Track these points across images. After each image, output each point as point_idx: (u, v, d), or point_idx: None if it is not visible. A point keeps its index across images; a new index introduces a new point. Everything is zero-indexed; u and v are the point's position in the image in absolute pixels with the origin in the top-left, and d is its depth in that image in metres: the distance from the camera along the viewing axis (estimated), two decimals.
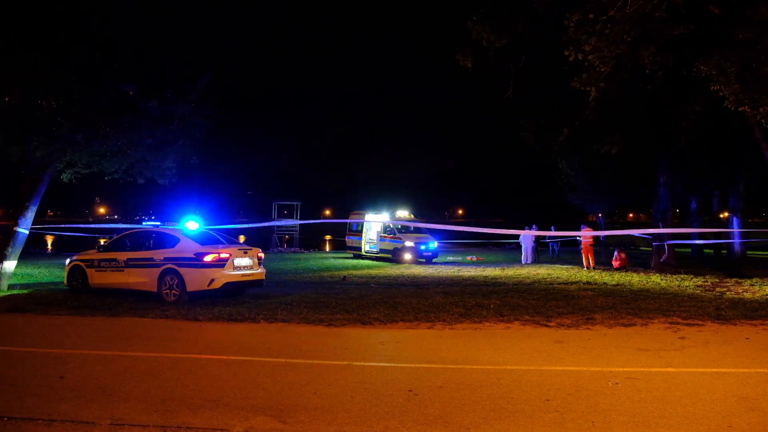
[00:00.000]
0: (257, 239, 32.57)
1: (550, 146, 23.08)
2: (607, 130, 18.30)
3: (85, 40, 11.95)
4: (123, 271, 11.99)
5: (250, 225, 17.19)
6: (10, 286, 13.12)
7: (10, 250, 13.01)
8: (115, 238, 12.99)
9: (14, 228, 13.06)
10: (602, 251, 25.85)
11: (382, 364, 6.63)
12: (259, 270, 12.08)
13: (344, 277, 16.55)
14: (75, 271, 12.67)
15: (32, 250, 27.52)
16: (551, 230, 23.48)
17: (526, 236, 23.07)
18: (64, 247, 32.28)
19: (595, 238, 21.58)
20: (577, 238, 20.94)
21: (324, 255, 29.31)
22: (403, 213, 25.26)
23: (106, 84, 11.91)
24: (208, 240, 11.99)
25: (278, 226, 34.79)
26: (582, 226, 20.63)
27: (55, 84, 11.78)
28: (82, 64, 11.84)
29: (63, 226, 16.58)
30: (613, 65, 11.82)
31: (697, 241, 22.57)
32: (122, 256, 12.08)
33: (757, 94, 10.76)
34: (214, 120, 14.39)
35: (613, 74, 12.19)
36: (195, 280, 11.10)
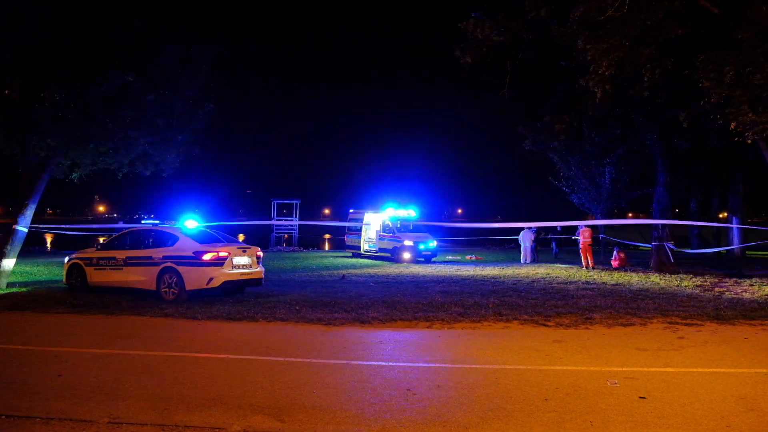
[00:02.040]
0: (256, 238, 32.57)
1: (548, 148, 23.10)
2: (607, 126, 18.34)
3: (85, 31, 11.95)
4: (122, 269, 11.98)
5: (249, 222, 17.20)
6: (9, 284, 13.11)
7: (9, 248, 13.00)
8: (114, 236, 12.98)
9: (13, 226, 13.06)
10: (601, 251, 25.83)
11: (380, 363, 6.63)
12: (258, 269, 12.07)
13: (343, 276, 16.54)
14: (74, 270, 12.66)
15: (31, 249, 27.50)
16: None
17: (526, 235, 23.07)
18: (63, 245, 32.26)
19: (594, 239, 21.54)
20: (575, 237, 20.92)
21: (323, 254, 29.31)
22: (403, 212, 25.25)
23: (105, 74, 11.89)
24: (207, 238, 11.98)
25: (277, 225, 34.77)
26: (580, 226, 20.62)
27: (55, 75, 11.77)
28: (81, 55, 11.83)
29: (65, 226, 16.60)
30: (616, 68, 11.81)
31: (699, 250, 22.58)
32: (121, 254, 12.07)
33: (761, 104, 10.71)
34: (213, 115, 14.42)
35: (615, 77, 12.17)
36: (194, 278, 11.09)
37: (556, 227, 25.69)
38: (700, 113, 13.45)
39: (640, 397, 5.27)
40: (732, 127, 11.53)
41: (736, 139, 11.74)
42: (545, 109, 20.74)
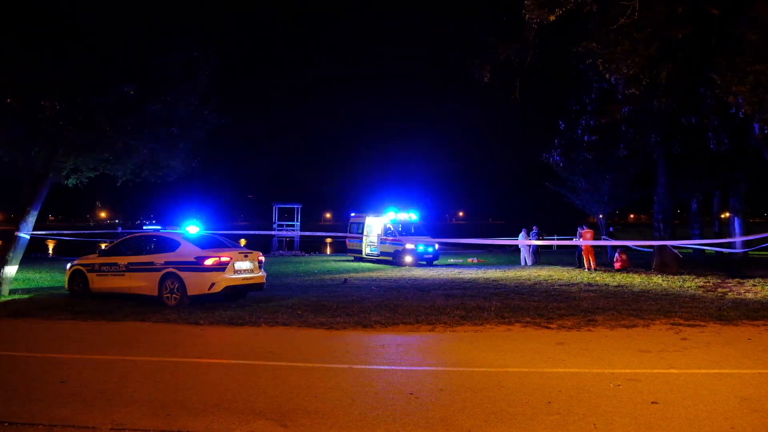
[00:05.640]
0: (258, 242, 32.58)
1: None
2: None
3: (87, 42, 12.00)
4: (124, 275, 11.98)
5: (252, 232, 17.25)
6: (12, 291, 13.12)
7: (11, 254, 13.02)
8: (116, 242, 13.00)
9: (15, 233, 13.08)
10: (603, 252, 25.76)
11: (382, 367, 6.62)
12: (260, 273, 12.07)
13: (345, 279, 16.54)
14: (76, 276, 12.67)
15: (33, 255, 27.51)
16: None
17: (524, 238, 23.03)
18: (65, 251, 32.29)
19: (595, 239, 21.47)
20: (574, 239, 20.86)
21: (325, 258, 29.30)
22: (404, 215, 25.25)
23: (107, 85, 11.94)
24: (208, 243, 11.99)
25: (278, 229, 34.84)
26: (581, 227, 20.58)
27: (58, 86, 11.82)
28: (83, 66, 11.89)
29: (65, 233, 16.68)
30: (633, 83, 11.90)
31: (698, 242, 22.54)
32: (123, 260, 12.08)
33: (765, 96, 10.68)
34: (214, 122, 14.46)
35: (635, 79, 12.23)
36: (196, 283, 11.10)
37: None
38: (711, 114, 13.48)
39: (652, 402, 5.26)
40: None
41: None
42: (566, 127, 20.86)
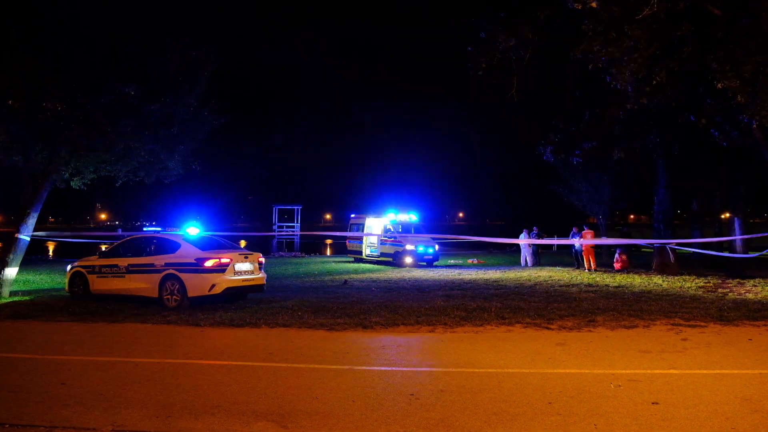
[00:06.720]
0: (258, 243, 32.58)
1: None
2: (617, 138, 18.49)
3: (87, 43, 12.03)
4: (124, 277, 11.98)
5: (252, 234, 17.26)
6: (12, 293, 13.12)
7: (11, 256, 13.02)
8: (116, 243, 13.00)
9: (15, 235, 13.08)
10: (603, 253, 25.77)
11: (383, 368, 6.62)
12: (260, 275, 12.06)
13: (345, 281, 16.53)
14: (76, 278, 12.67)
15: (33, 257, 27.51)
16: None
17: (524, 238, 23.03)
18: (65, 253, 32.29)
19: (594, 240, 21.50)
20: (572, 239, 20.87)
21: (325, 259, 29.30)
22: (404, 216, 25.25)
23: (107, 87, 11.97)
24: (208, 245, 11.99)
25: (279, 231, 34.87)
26: (582, 227, 20.57)
27: (58, 87, 11.85)
28: (84, 67, 11.91)
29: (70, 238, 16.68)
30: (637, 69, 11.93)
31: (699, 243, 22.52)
32: (123, 262, 12.08)
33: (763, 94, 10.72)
34: (214, 122, 14.47)
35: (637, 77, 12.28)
36: (196, 285, 11.10)
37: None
38: (715, 113, 13.49)
39: (653, 403, 5.25)
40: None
41: None
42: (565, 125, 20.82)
